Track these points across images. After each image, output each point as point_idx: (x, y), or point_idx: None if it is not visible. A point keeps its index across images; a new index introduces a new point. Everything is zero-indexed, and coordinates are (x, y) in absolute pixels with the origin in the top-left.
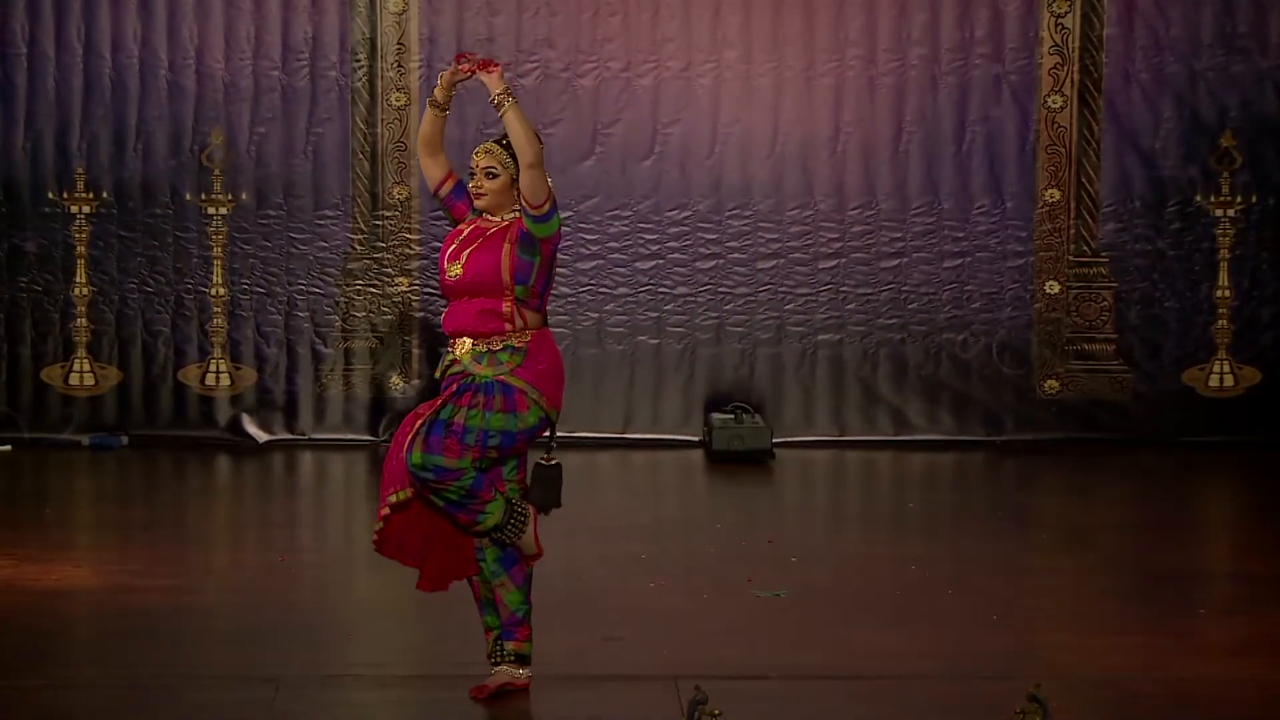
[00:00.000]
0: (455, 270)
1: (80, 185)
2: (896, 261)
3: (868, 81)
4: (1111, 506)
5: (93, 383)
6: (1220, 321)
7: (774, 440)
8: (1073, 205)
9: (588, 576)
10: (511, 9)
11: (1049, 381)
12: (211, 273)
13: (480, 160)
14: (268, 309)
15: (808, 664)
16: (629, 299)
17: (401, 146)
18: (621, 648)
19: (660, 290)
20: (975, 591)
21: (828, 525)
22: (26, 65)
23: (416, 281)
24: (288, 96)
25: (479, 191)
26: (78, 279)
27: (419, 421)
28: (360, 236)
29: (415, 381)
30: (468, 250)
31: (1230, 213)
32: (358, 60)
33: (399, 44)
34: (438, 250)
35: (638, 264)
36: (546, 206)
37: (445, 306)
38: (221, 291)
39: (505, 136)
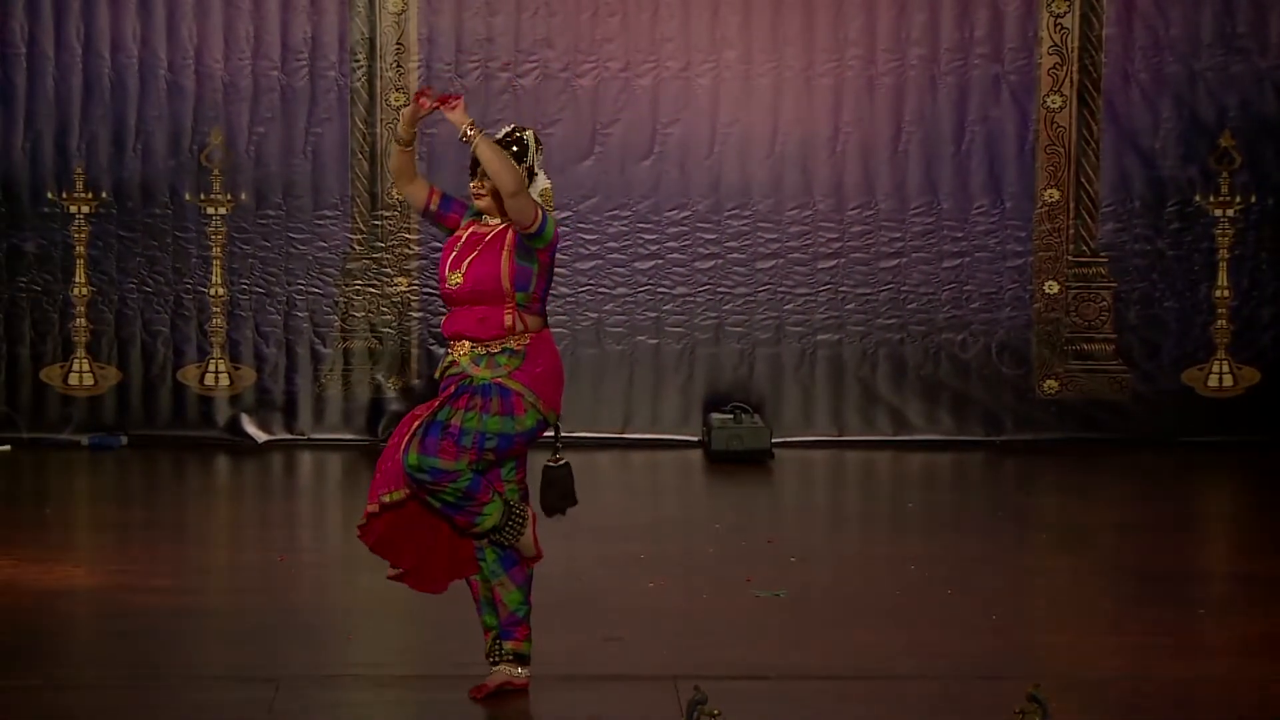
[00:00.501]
0: (456, 279)
1: (79, 185)
2: (896, 261)
3: (867, 81)
4: (1111, 506)
5: (92, 383)
6: (1219, 321)
7: (773, 440)
8: (1072, 205)
9: (587, 576)
10: (510, 9)
11: (1048, 381)
12: (211, 273)
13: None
14: (267, 309)
15: (807, 664)
16: (628, 299)
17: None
18: (621, 648)
19: (659, 290)
20: (975, 591)
21: (827, 525)
22: (26, 65)
23: (415, 282)
24: (287, 96)
25: (478, 192)
26: (77, 279)
27: (416, 423)
28: (359, 236)
29: (415, 382)
30: (468, 259)
31: (1229, 213)
32: (357, 60)
33: (398, 44)
34: (437, 250)
35: (637, 264)
36: (536, 225)
37: (444, 306)
38: (221, 291)
39: (506, 136)
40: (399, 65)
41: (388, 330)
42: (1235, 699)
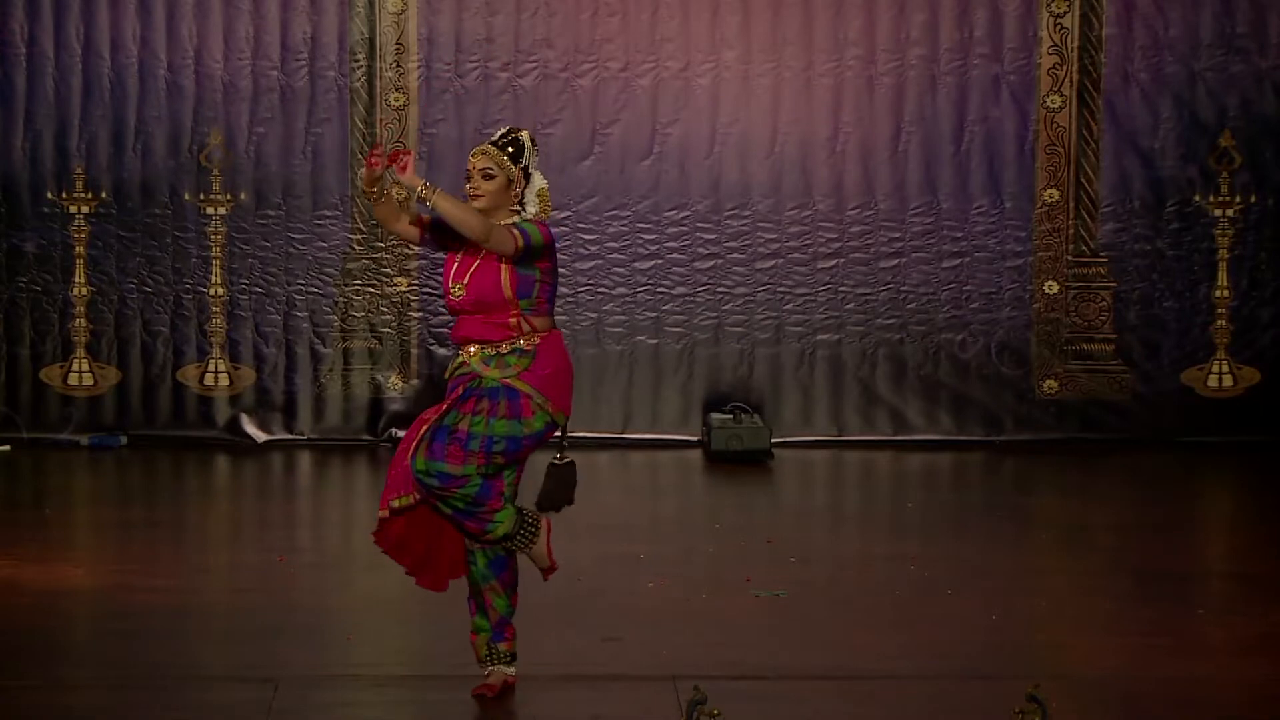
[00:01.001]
0: (459, 291)
1: (79, 185)
2: (895, 261)
3: (866, 82)
4: (1111, 506)
5: (92, 383)
6: (1219, 321)
7: (772, 440)
8: (1071, 205)
9: (587, 576)
10: (510, 9)
11: (1048, 381)
12: (210, 273)
13: (477, 162)
14: (266, 309)
15: (807, 664)
16: (627, 299)
17: (400, 147)
18: (620, 647)
19: (659, 290)
20: (974, 591)
21: (826, 525)
22: (25, 65)
23: (415, 281)
24: (286, 97)
25: (476, 193)
26: (76, 279)
27: (424, 427)
28: (359, 236)
29: (414, 382)
30: (469, 270)
31: (1229, 213)
32: (356, 60)
33: (398, 44)
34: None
35: (636, 264)
36: (520, 250)
37: (444, 306)
38: (220, 291)
39: (502, 137)
40: (399, 65)
41: (387, 330)
42: (1234, 699)
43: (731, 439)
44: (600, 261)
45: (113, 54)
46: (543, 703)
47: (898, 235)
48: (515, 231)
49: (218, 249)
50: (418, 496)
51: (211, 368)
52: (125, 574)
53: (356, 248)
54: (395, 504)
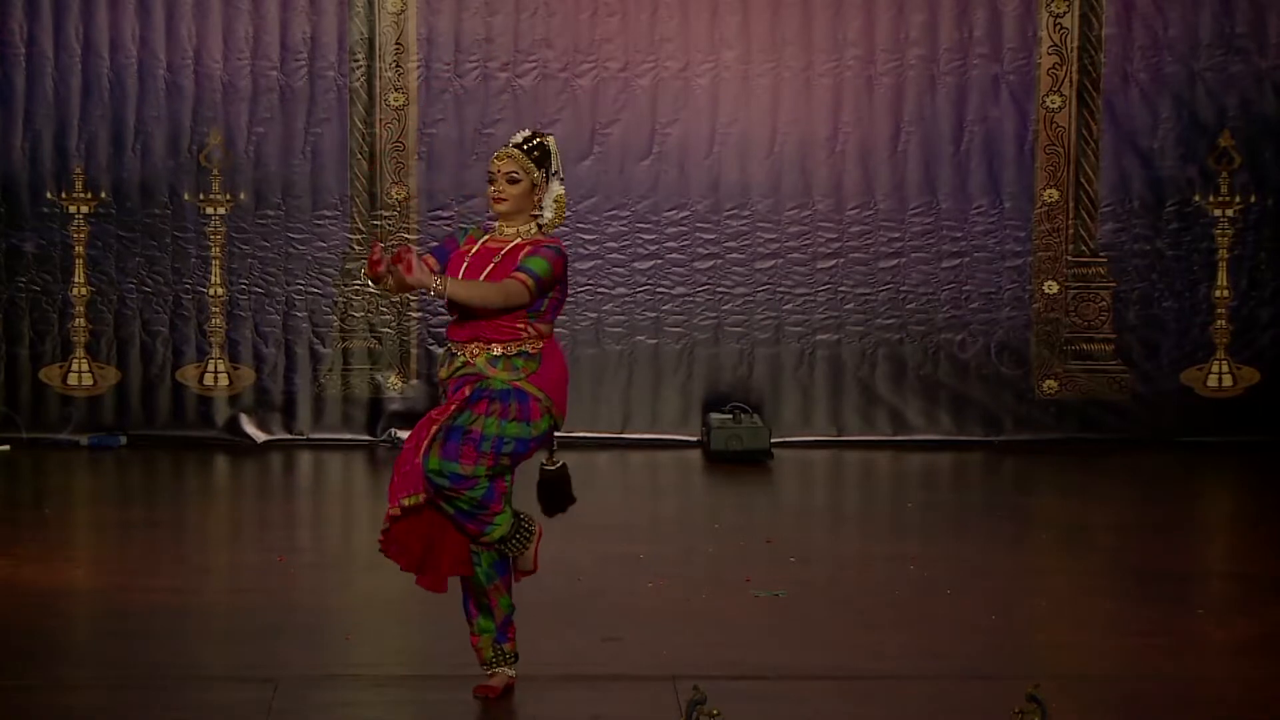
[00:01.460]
0: None
1: (79, 185)
2: (895, 261)
3: (866, 82)
4: (1111, 506)
5: (91, 383)
6: (1219, 321)
7: (772, 440)
8: (1071, 205)
9: (586, 576)
10: (509, 9)
11: (1047, 381)
12: (210, 273)
13: (501, 165)
14: (266, 309)
15: (807, 664)
16: (627, 299)
17: (400, 147)
18: (620, 647)
19: (658, 290)
20: (974, 591)
21: (826, 525)
22: (25, 65)
23: None
24: (286, 97)
25: (499, 196)
26: (76, 279)
27: (434, 427)
28: (359, 236)
29: (413, 382)
30: (483, 274)
31: (1229, 213)
32: (356, 60)
33: (397, 44)
34: (436, 250)
35: (636, 264)
36: (534, 296)
37: (443, 305)
38: (220, 291)
39: (526, 141)
40: (398, 65)
41: (387, 330)
42: (1234, 699)
43: (731, 439)
44: (600, 261)
45: (112, 54)
46: (543, 703)
47: (897, 235)
48: (526, 280)
49: (217, 249)
50: (425, 496)
51: (211, 368)
52: (125, 574)
53: (356, 248)
54: (406, 502)
